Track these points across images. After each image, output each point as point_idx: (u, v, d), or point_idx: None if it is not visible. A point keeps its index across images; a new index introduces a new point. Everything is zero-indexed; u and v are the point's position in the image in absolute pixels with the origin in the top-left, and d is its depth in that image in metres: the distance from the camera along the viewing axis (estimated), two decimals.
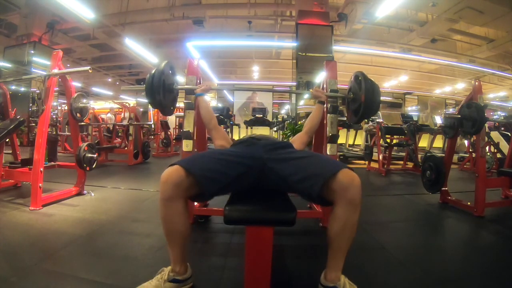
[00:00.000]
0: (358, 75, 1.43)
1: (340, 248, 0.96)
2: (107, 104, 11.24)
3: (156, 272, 1.03)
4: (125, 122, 5.98)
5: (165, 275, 1.00)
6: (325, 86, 1.71)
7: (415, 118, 5.44)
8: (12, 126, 2.33)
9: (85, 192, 2.43)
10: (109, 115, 7.72)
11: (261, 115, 5.66)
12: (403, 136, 4.54)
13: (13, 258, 1.25)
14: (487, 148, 3.89)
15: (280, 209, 0.98)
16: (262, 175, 1.07)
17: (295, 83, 5.99)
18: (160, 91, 1.39)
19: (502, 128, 4.54)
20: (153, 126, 6.25)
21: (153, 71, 1.42)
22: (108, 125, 6.47)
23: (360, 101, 1.39)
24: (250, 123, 5.57)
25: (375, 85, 1.38)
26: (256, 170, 1.06)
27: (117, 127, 6.36)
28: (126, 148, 4.91)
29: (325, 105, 1.64)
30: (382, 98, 1.42)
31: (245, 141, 1.25)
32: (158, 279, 1.00)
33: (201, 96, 1.56)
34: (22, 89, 5.40)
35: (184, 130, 1.71)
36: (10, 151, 2.71)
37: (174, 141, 6.49)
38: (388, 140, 4.41)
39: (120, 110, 8.43)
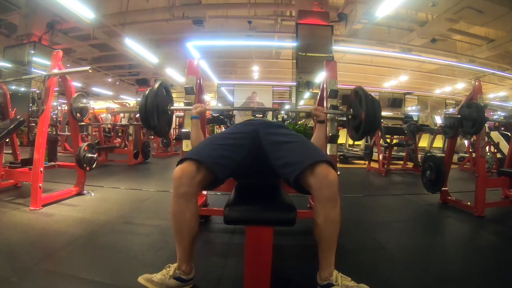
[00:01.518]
0: (358, 91, 1.39)
1: (327, 244, 0.96)
2: (107, 104, 11.26)
3: (156, 272, 1.03)
4: (124, 122, 5.97)
5: (171, 271, 1.01)
6: (325, 86, 1.71)
7: (415, 118, 5.44)
8: (12, 126, 2.32)
9: (85, 192, 2.43)
10: (104, 115, 7.67)
11: (261, 115, 5.65)
12: (403, 136, 4.54)
13: (13, 258, 1.25)
14: (487, 148, 3.89)
15: (280, 209, 0.98)
16: (260, 153, 1.10)
17: (295, 83, 5.99)
18: (154, 117, 1.34)
19: (502, 128, 4.54)
20: None
21: (146, 92, 1.36)
22: (104, 125, 6.44)
23: (360, 119, 1.36)
24: None
25: (376, 101, 1.34)
26: (255, 148, 1.11)
27: (117, 127, 6.35)
28: (126, 148, 4.91)
29: (326, 124, 1.54)
30: (383, 114, 1.39)
31: (243, 122, 1.30)
32: (164, 274, 1.01)
33: (196, 119, 1.47)
34: (22, 89, 5.40)
35: (184, 130, 1.71)
36: (10, 151, 2.71)
37: (174, 141, 6.49)
38: (388, 140, 4.41)
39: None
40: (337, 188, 0.92)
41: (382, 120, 4.59)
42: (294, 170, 0.94)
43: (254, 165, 1.14)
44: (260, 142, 1.11)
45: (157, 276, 1.00)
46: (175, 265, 1.03)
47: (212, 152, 1.02)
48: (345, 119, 1.65)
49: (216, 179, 1.00)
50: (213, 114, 4.21)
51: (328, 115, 1.55)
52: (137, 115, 4.91)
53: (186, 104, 1.69)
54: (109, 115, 7.87)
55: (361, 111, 1.35)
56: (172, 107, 1.52)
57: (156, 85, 1.41)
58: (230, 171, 1.04)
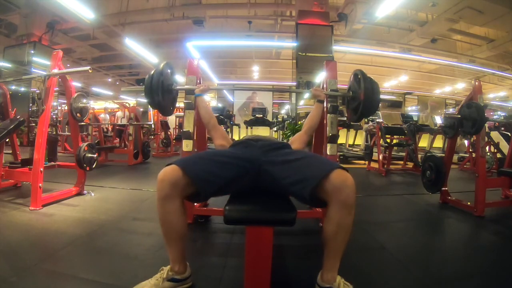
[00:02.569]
0: (357, 73, 1.43)
1: (335, 250, 0.95)
2: (107, 104, 11.25)
3: (156, 272, 1.03)
4: (124, 122, 5.97)
5: (164, 274, 1.01)
6: (325, 86, 1.71)
7: (415, 118, 5.44)
8: (12, 126, 2.32)
9: (85, 192, 2.43)
10: (102, 115, 7.65)
11: (261, 115, 5.66)
12: (403, 136, 4.54)
13: (13, 258, 1.25)
14: (487, 148, 3.89)
15: (280, 209, 0.98)
16: (259, 177, 1.07)
17: (295, 83, 5.99)
18: (159, 92, 1.41)
19: (502, 128, 4.54)
20: (153, 126, 6.25)
21: (152, 72, 1.43)
22: (103, 125, 6.44)
23: (359, 100, 1.39)
24: (250, 123, 5.57)
25: (374, 83, 1.38)
26: (253, 172, 1.06)
27: (116, 128, 6.35)
28: (126, 148, 4.91)
29: (324, 104, 1.63)
30: (382, 97, 1.43)
31: (243, 143, 1.24)
32: (157, 278, 1.01)
33: (200, 96, 1.57)
34: (22, 89, 5.40)
35: (184, 130, 1.71)
36: (10, 151, 2.71)
37: (174, 141, 6.50)
38: (388, 140, 4.41)
39: (118, 110, 8.42)
40: (355, 193, 0.90)
41: (382, 121, 4.60)
42: (310, 184, 0.91)
43: (254, 187, 1.10)
44: (261, 166, 1.06)
45: (150, 282, 1.00)
46: (168, 267, 1.03)
47: (201, 166, 0.99)
48: (345, 118, 1.67)
49: (199, 193, 0.97)
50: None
51: (328, 98, 1.62)
52: (137, 115, 4.91)
53: (187, 104, 1.70)
54: (107, 115, 7.88)
55: (359, 92, 1.37)
56: (176, 87, 1.57)
57: (161, 65, 1.46)
58: (216, 189, 0.99)
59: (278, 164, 1.05)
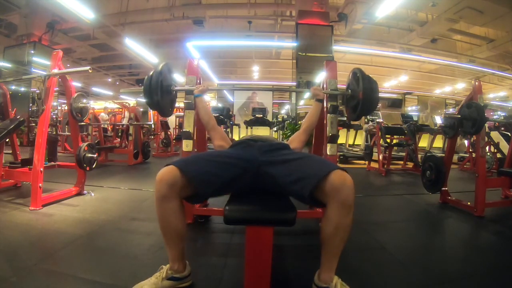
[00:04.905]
0: (356, 72, 1.43)
1: (333, 250, 0.95)
2: (107, 104, 11.25)
3: (156, 271, 1.03)
4: (124, 122, 5.96)
5: (164, 273, 1.01)
6: (325, 86, 1.71)
7: (415, 118, 5.43)
8: (12, 126, 2.32)
9: (85, 192, 2.43)
10: (101, 114, 7.64)
11: (261, 115, 5.66)
12: (403, 136, 4.54)
13: (13, 258, 1.24)
14: (487, 148, 3.89)
15: (280, 209, 0.98)
16: (258, 178, 1.07)
17: (295, 83, 5.99)
18: (158, 92, 1.41)
19: (502, 128, 4.54)
20: (153, 126, 6.25)
21: (151, 72, 1.44)
22: (102, 125, 6.43)
23: (358, 99, 1.39)
24: (250, 123, 5.57)
25: (373, 81, 1.38)
26: (251, 172, 1.06)
27: (117, 128, 6.35)
28: (126, 148, 4.91)
29: (324, 104, 1.62)
30: (380, 95, 1.44)
31: (242, 143, 1.25)
32: (157, 276, 1.01)
33: (199, 97, 1.56)
34: (22, 89, 5.39)
35: (184, 130, 1.72)
36: (10, 151, 2.71)
37: (174, 141, 6.49)
38: (388, 140, 4.41)
39: (119, 110, 8.40)
40: (354, 194, 0.90)
41: (382, 121, 4.59)
42: (309, 183, 0.91)
43: (253, 188, 1.10)
44: (260, 167, 1.06)
45: (150, 281, 1.00)
46: (167, 265, 1.03)
47: (200, 166, 0.99)
48: (345, 118, 1.67)
49: (197, 193, 0.97)
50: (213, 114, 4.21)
51: (327, 95, 1.62)
52: (137, 115, 4.91)
53: (187, 104, 1.70)
54: (106, 115, 7.87)
55: (358, 91, 1.37)
56: (175, 88, 1.57)
57: (160, 66, 1.47)
58: (214, 189, 0.99)
59: (277, 164, 1.05)
